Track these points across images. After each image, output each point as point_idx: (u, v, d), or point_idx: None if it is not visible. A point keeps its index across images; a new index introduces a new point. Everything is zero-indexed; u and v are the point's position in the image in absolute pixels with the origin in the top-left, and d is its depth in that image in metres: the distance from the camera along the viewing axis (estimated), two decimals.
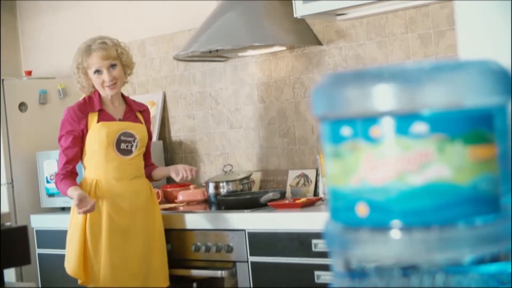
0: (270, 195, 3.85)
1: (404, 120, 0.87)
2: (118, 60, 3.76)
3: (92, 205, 3.53)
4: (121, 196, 3.69)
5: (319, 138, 4.18)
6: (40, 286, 4.50)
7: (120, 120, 3.78)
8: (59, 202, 4.53)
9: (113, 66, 3.73)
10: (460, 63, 0.89)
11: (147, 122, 3.90)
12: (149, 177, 3.90)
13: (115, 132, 3.70)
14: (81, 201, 3.52)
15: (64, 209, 4.53)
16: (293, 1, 3.72)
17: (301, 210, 3.56)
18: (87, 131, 3.71)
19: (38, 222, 4.51)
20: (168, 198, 4.47)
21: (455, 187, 0.87)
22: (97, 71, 3.71)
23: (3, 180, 4.73)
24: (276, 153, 4.35)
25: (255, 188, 4.30)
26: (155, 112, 4.81)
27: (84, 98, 3.80)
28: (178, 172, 3.82)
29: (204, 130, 4.71)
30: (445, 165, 0.87)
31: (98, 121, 3.72)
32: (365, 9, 3.84)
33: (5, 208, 4.63)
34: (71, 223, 3.73)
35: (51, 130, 4.81)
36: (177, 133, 4.84)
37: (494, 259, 0.91)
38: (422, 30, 3.80)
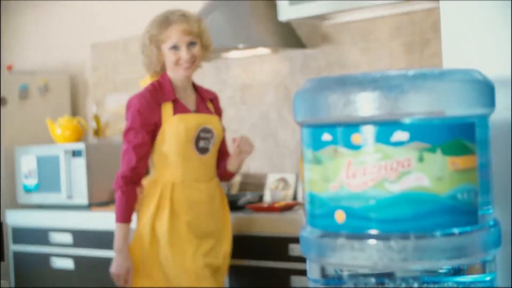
0: (248, 198, 3.84)
1: (386, 128, 0.87)
2: (199, 38, 3.22)
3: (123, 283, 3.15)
4: (199, 201, 3.22)
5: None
6: (14, 285, 4.46)
7: (194, 111, 3.26)
8: (36, 198, 4.49)
9: (192, 43, 3.19)
10: (443, 71, 0.88)
11: (218, 111, 3.42)
12: (224, 172, 3.40)
13: (195, 127, 3.20)
14: (119, 277, 3.15)
15: (41, 207, 4.49)
16: (277, 5, 3.72)
17: (279, 213, 3.55)
18: (160, 124, 3.18)
19: (14, 219, 4.47)
20: None
21: (434, 196, 0.86)
22: (174, 47, 3.17)
23: None
24: (256, 156, 4.34)
25: (234, 191, 4.29)
26: None
27: (153, 85, 3.22)
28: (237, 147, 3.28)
29: None
30: (424, 174, 0.86)
31: (174, 113, 3.19)
32: (351, 15, 3.83)
33: None
34: (141, 230, 3.18)
35: (30, 125, 4.77)
36: None
37: (470, 270, 0.90)
38: (407, 37, 3.81)
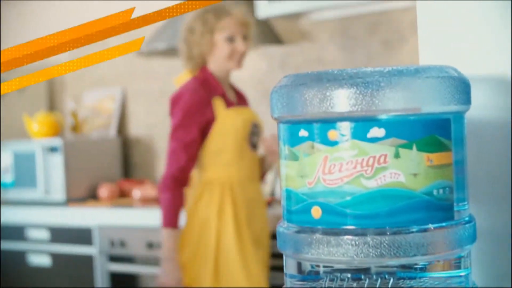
0: None
1: (362, 124, 0.87)
2: (250, 33, 3.09)
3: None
4: (255, 202, 3.06)
5: None
6: None
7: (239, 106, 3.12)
8: (12, 194, 4.46)
9: (245, 36, 3.05)
10: (418, 68, 0.89)
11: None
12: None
13: (249, 121, 3.06)
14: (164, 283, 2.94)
15: (18, 203, 4.46)
16: (255, 2, 3.72)
17: None
18: (213, 120, 2.98)
19: None
20: (124, 193, 4.44)
21: (410, 192, 0.87)
22: (230, 38, 2.99)
23: None
24: None
25: None
26: (114, 107, 4.76)
27: (199, 79, 3.02)
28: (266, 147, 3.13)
29: (164, 127, 4.68)
30: (400, 170, 0.87)
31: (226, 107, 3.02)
32: (329, 12, 3.85)
33: None
34: (201, 234, 3.00)
35: (7, 121, 4.74)
36: (135, 129, 4.81)
37: (446, 266, 0.91)
38: (385, 35, 3.82)
